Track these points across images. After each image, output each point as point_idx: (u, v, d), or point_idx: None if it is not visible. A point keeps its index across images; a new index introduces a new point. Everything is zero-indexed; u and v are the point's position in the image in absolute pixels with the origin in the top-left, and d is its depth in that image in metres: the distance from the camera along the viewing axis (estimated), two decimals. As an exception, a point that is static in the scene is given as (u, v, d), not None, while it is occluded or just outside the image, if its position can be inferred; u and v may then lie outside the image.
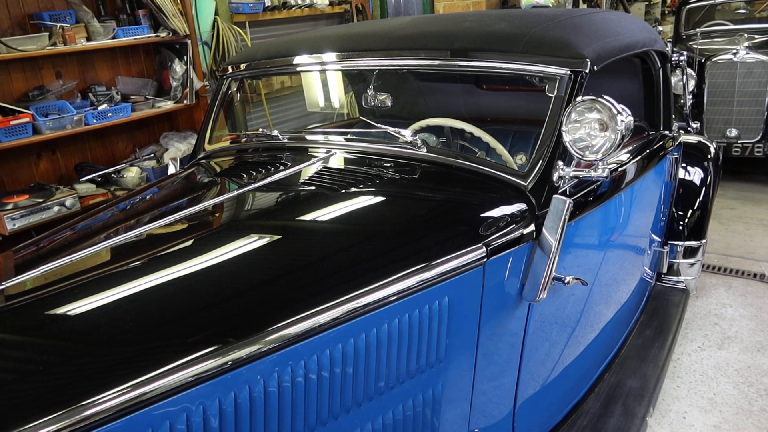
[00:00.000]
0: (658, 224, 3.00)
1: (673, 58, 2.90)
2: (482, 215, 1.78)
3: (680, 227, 3.26)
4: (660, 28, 7.82)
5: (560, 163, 1.85)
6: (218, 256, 1.55)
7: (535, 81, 1.98)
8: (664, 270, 3.29)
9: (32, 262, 1.60)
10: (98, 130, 3.87)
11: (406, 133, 2.12)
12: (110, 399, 1.08)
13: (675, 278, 3.29)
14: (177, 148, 4.10)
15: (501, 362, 1.82)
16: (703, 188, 3.34)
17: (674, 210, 3.29)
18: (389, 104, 2.41)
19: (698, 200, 3.31)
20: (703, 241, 3.29)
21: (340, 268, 1.52)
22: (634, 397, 2.36)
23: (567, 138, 1.73)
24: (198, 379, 1.17)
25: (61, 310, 1.36)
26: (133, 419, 1.10)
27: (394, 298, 1.46)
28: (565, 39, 1.98)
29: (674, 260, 3.28)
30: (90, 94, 3.84)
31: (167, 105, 4.12)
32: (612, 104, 1.67)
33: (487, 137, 2.23)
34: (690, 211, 3.30)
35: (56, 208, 3.42)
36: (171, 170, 2.77)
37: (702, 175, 3.35)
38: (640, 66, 2.72)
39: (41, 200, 3.40)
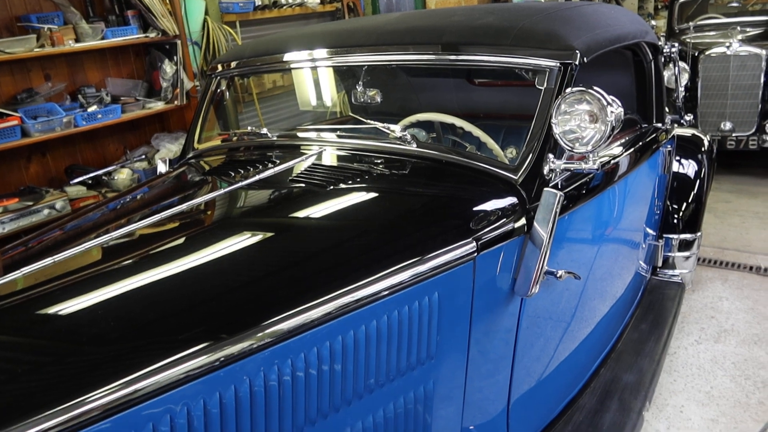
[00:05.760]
0: (652, 217, 2.98)
1: (664, 50, 2.88)
2: (472, 210, 1.76)
3: (675, 220, 3.25)
4: (653, 22, 7.81)
5: (551, 156, 1.83)
6: (209, 254, 1.53)
7: (525, 74, 1.96)
8: (660, 263, 3.27)
9: (21, 263, 1.58)
10: (88, 132, 3.84)
11: (396, 129, 2.10)
12: (102, 397, 1.06)
13: (670, 272, 3.27)
14: (168, 149, 4.08)
15: (494, 358, 1.80)
16: (698, 181, 3.32)
17: (669, 203, 3.27)
18: (379, 100, 2.39)
19: (693, 193, 3.29)
20: (698, 234, 3.27)
21: (330, 265, 1.50)
22: (631, 392, 2.34)
23: (557, 130, 1.71)
24: (189, 377, 1.15)
25: (51, 310, 1.34)
26: (127, 416, 1.09)
27: (385, 293, 1.44)
28: (554, 31, 1.96)
29: (669, 254, 3.26)
30: (79, 96, 3.82)
31: (158, 106, 4.09)
32: (602, 95, 1.65)
33: (477, 131, 2.21)
34: (684, 204, 3.28)
35: (46, 211, 3.40)
36: (161, 170, 2.74)
37: (696, 168, 3.33)
38: (632, 58, 2.70)
39: (31, 203, 3.38)
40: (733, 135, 5.32)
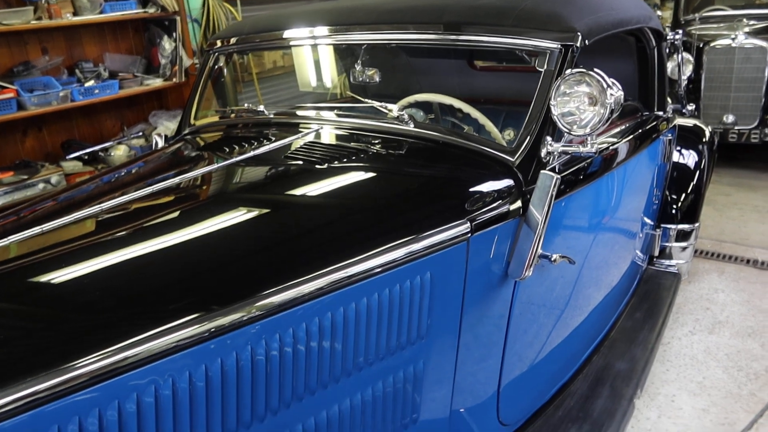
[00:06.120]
0: (650, 206, 2.96)
1: (668, 37, 2.85)
2: (468, 191, 1.74)
3: (673, 210, 3.23)
4: (659, 13, 7.74)
5: (549, 138, 1.81)
6: (202, 227, 1.52)
7: (526, 55, 1.93)
8: (656, 253, 3.25)
9: (11, 231, 1.56)
10: (85, 107, 3.82)
11: (393, 108, 2.08)
12: (92, 362, 1.06)
13: (667, 262, 3.25)
14: (166, 127, 4.05)
15: (485, 341, 1.79)
16: (698, 172, 3.30)
17: (668, 193, 3.25)
18: (377, 80, 2.36)
19: (692, 183, 3.27)
20: (696, 224, 3.26)
21: (323, 241, 1.49)
22: (622, 379, 2.34)
23: (555, 112, 1.69)
24: (177, 347, 1.14)
25: (42, 278, 1.34)
26: (116, 383, 1.08)
27: (378, 270, 1.43)
28: (556, 12, 1.93)
29: (667, 243, 3.24)
30: (77, 71, 3.79)
31: (156, 83, 4.06)
32: (602, 77, 1.63)
33: (475, 113, 2.19)
34: (684, 194, 3.26)
35: (41, 185, 3.39)
36: (158, 145, 2.72)
37: (696, 159, 3.31)
38: (635, 45, 2.67)
39: (26, 177, 3.36)
40: (735, 128, 5.28)
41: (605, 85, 1.63)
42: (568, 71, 1.67)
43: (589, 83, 1.65)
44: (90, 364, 1.06)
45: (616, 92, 1.64)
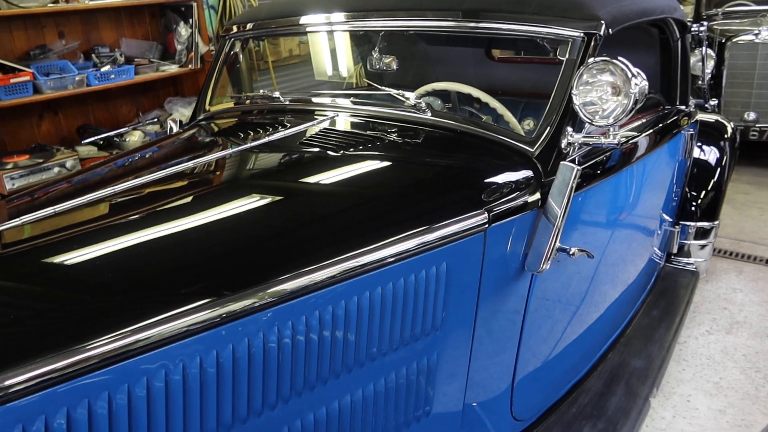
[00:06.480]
0: (670, 203, 2.91)
1: (692, 29, 2.78)
2: (485, 181, 1.71)
3: (693, 207, 3.17)
4: (681, 8, 7.62)
5: (569, 129, 1.77)
6: (215, 212, 1.50)
7: (546, 44, 1.89)
8: (675, 250, 3.20)
9: (25, 212, 1.56)
10: (101, 92, 3.82)
11: (411, 97, 2.05)
12: (103, 345, 1.05)
13: (685, 260, 3.20)
14: (181, 114, 4.04)
15: (500, 334, 1.76)
16: (719, 168, 3.24)
17: (687, 190, 3.19)
18: (395, 67, 2.33)
19: (712, 180, 3.21)
20: (716, 222, 3.20)
21: (337, 229, 1.47)
22: (638, 377, 2.30)
23: (577, 101, 1.65)
24: (188, 332, 1.13)
25: (55, 260, 1.33)
26: (127, 366, 1.07)
27: (392, 259, 1.40)
28: (578, 0, 1.88)
29: (685, 241, 3.19)
30: (93, 55, 3.79)
31: (172, 69, 4.05)
32: (627, 66, 1.59)
33: (494, 103, 2.15)
34: (704, 191, 3.20)
35: (56, 169, 3.40)
36: (173, 131, 2.71)
37: (718, 155, 3.24)
38: (658, 36, 2.61)
39: (41, 161, 3.37)
40: (757, 126, 5.18)
41: (630, 75, 1.59)
42: (591, 60, 1.63)
43: (613, 72, 1.61)
44: (101, 346, 1.05)
45: (640, 82, 1.59)
